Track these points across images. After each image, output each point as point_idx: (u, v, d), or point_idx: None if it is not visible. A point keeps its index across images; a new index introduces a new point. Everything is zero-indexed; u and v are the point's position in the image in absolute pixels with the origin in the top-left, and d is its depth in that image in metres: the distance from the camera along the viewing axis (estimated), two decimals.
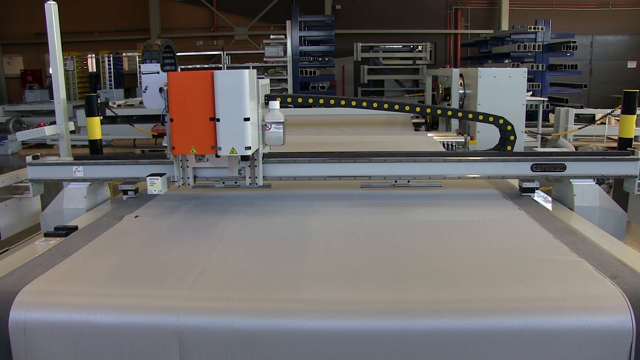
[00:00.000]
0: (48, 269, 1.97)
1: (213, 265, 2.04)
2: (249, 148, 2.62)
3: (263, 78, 2.93)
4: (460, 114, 4.27)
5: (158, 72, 2.77)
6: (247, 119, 2.58)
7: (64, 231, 2.45)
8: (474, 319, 1.62)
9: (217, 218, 2.75)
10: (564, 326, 1.61)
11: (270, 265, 2.05)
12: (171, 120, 2.64)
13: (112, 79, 16.43)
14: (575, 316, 1.63)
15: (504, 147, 3.61)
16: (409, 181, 3.08)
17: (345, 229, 2.52)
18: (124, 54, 17.63)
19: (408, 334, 1.61)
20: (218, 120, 2.58)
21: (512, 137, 3.55)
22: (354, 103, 3.73)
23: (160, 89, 2.72)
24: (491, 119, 3.63)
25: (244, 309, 1.68)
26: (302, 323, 1.64)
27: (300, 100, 3.89)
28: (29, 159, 3.12)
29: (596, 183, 2.98)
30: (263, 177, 2.95)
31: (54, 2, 4.24)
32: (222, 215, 2.78)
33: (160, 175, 2.84)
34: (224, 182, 3.02)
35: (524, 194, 3.05)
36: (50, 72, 4.61)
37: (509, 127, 3.56)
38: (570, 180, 2.97)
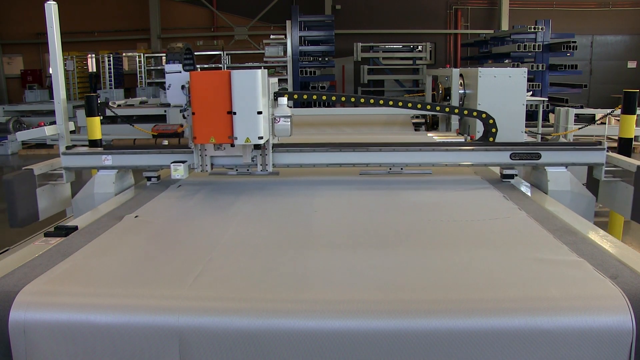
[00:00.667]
0: (48, 269, 1.97)
1: (214, 264, 2.04)
2: (262, 138, 2.96)
3: (273, 77, 3.24)
4: (447, 109, 4.42)
5: (180, 72, 3.11)
6: (259, 113, 2.92)
7: (64, 231, 2.45)
8: (474, 319, 1.62)
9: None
10: (564, 326, 1.61)
11: (271, 265, 2.05)
12: (193, 113, 2.97)
13: (112, 79, 16.42)
14: (575, 316, 1.63)
15: (487, 139, 3.94)
16: (402, 169, 3.39)
17: (345, 226, 2.59)
18: (124, 54, 17.62)
19: (408, 334, 1.61)
20: (234, 113, 2.92)
21: (493, 130, 3.89)
22: (352, 99, 4.13)
23: (182, 87, 3.05)
24: (475, 113, 4.00)
25: (244, 309, 1.68)
26: (303, 323, 1.64)
27: (305, 97, 4.23)
28: (62, 149, 3.47)
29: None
30: (272, 164, 3.26)
31: (54, 2, 4.24)
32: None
33: (183, 162, 3.16)
34: (237, 170, 3.37)
35: (504, 180, 3.39)
36: (50, 72, 4.61)
37: (490, 121, 3.91)
38: (545, 167, 3.28)
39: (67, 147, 3.49)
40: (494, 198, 2.99)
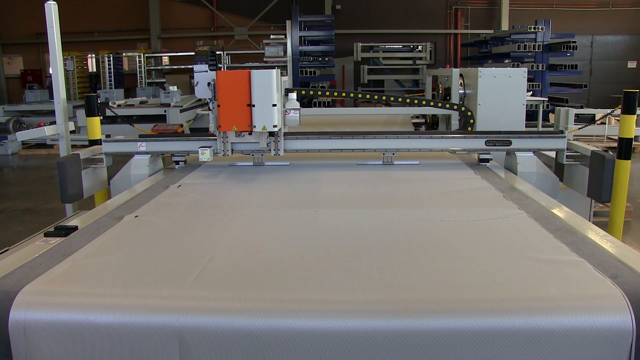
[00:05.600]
0: (48, 269, 1.96)
1: (214, 264, 2.03)
2: (276, 126, 3.49)
3: (285, 75, 3.74)
4: (431, 103, 4.86)
5: (206, 71, 3.57)
6: (274, 105, 3.43)
7: (64, 231, 2.44)
8: (473, 319, 1.62)
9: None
10: (564, 326, 1.61)
11: (271, 264, 2.05)
12: (218, 106, 3.48)
13: (112, 79, 16.42)
14: (575, 316, 1.62)
15: (465, 128, 4.51)
16: (393, 154, 3.87)
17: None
18: (124, 54, 17.62)
19: (408, 334, 1.61)
20: (253, 105, 3.43)
21: (471, 121, 4.48)
22: (352, 95, 4.80)
23: (208, 84, 3.56)
24: (455, 107, 4.61)
25: (244, 309, 1.68)
26: (303, 323, 1.63)
27: (311, 92, 4.90)
28: (103, 137, 3.95)
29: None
30: (284, 149, 3.78)
31: (54, 2, 4.24)
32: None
33: (208, 147, 3.66)
34: (253, 155, 3.89)
35: (481, 163, 3.88)
36: (50, 72, 4.62)
37: (469, 113, 4.49)
38: (515, 152, 3.75)
39: (107, 136, 3.96)
40: (493, 198, 2.99)
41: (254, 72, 3.43)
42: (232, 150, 3.75)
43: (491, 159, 3.88)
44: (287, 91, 3.73)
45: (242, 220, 2.65)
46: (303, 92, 4.95)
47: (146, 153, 3.85)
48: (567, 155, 3.78)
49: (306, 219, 2.68)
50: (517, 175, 3.65)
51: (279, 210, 2.84)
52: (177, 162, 4.00)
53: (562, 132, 3.83)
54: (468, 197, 3.08)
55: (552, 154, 3.98)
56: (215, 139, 3.75)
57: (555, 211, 2.67)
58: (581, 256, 2.02)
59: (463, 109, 4.51)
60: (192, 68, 3.63)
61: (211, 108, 3.64)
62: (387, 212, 2.74)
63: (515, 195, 2.99)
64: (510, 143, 3.74)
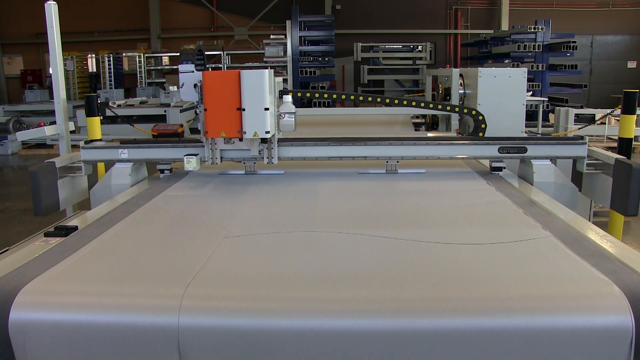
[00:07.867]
0: (48, 268, 1.96)
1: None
2: (268, 132, 3.17)
3: (279, 76, 3.45)
4: (439, 106, 4.65)
5: (193, 72, 3.30)
6: (267, 109, 3.13)
7: (64, 231, 2.44)
8: (473, 318, 1.62)
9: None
10: (564, 326, 1.61)
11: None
12: (205, 110, 3.16)
13: (112, 79, 16.44)
14: (574, 316, 1.62)
15: (477, 134, 4.23)
16: (397, 162, 3.57)
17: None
18: (124, 54, 17.63)
19: (408, 334, 1.61)
20: (244, 109, 3.13)
21: (483, 126, 4.19)
22: (352, 97, 4.54)
23: (195, 85, 3.26)
24: (465, 110, 4.32)
25: (244, 309, 1.68)
26: (304, 322, 1.63)
27: (308, 94, 4.55)
28: (82, 143, 3.67)
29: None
30: (278, 157, 3.48)
31: (54, 2, 4.25)
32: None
33: (195, 155, 3.35)
34: (244, 162, 3.58)
35: (493, 172, 3.57)
36: (50, 72, 4.62)
37: (480, 117, 4.22)
38: (531, 160, 3.45)
39: (86, 142, 3.70)
40: (512, 214, 2.69)
41: (244, 72, 3.11)
42: (220, 158, 3.45)
43: (504, 167, 3.57)
44: (282, 93, 3.44)
45: (224, 245, 2.28)
46: (299, 95, 4.65)
47: (128, 161, 3.56)
48: (587, 164, 3.48)
49: (299, 242, 2.33)
50: (533, 185, 3.36)
51: (267, 231, 2.45)
52: (162, 171, 3.67)
53: (582, 137, 3.52)
54: (483, 212, 2.76)
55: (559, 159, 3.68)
56: (203, 146, 3.42)
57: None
58: (581, 256, 2.00)
59: (474, 112, 4.23)
60: None
61: (198, 112, 3.31)
62: (391, 233, 2.36)
63: (535, 210, 2.69)
64: (525, 150, 3.44)
